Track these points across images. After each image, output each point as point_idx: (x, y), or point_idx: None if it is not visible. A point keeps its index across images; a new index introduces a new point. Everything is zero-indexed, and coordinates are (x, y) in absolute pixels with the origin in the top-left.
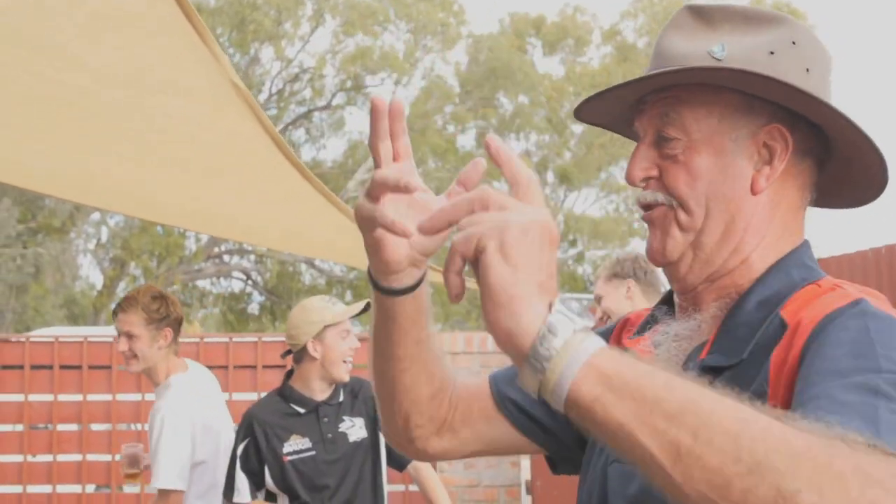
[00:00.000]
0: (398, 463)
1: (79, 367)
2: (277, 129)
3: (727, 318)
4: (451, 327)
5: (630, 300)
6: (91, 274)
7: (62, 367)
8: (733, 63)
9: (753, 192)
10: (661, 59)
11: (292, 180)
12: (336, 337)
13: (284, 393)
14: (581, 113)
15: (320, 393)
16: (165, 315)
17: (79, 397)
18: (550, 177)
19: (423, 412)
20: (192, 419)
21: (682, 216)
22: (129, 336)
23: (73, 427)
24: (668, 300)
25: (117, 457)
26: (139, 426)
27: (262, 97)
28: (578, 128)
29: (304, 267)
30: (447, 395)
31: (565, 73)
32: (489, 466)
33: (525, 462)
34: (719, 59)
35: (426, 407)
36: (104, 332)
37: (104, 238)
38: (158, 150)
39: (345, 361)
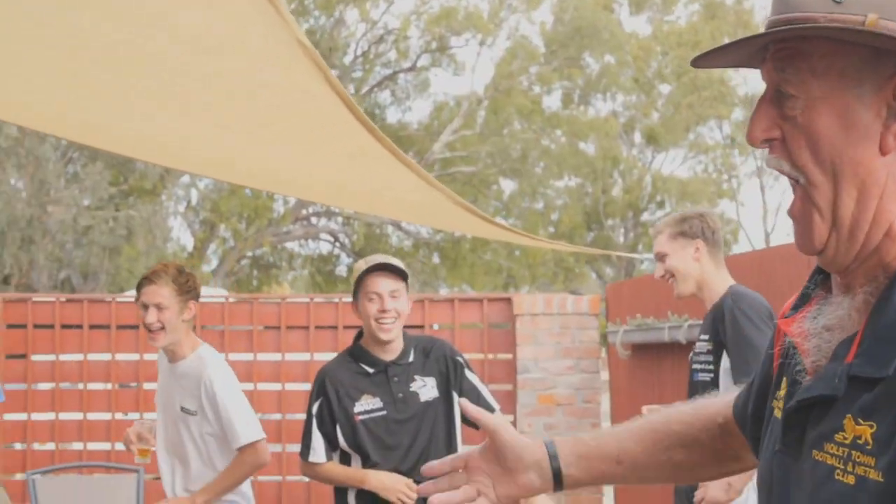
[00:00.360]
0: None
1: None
2: (362, 92)
3: (874, 311)
4: (536, 289)
5: (697, 262)
6: (182, 236)
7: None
8: (854, 5)
9: (883, 152)
10: (780, 1)
11: (362, 140)
12: (363, 299)
13: (354, 353)
14: (699, 63)
15: (385, 353)
16: (192, 288)
17: None
18: (637, 137)
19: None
20: (237, 382)
21: (815, 195)
22: (159, 308)
23: None
24: (822, 270)
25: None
26: None
27: (348, 59)
28: (666, 87)
29: (390, 229)
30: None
31: (652, 31)
32: (570, 428)
33: (606, 424)
34: (839, 2)
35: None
36: None
37: (194, 200)
38: (233, 112)
39: (379, 321)
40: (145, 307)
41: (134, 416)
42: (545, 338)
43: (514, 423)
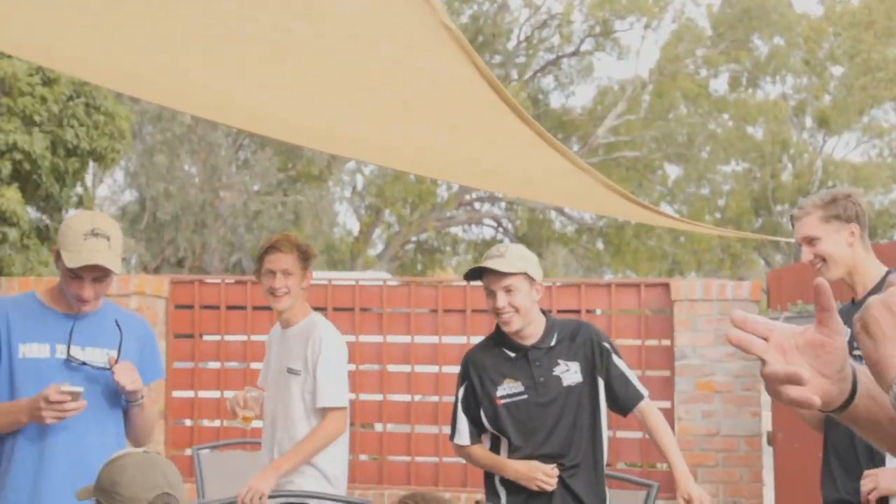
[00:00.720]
0: (621, 407)
1: (323, 309)
2: (526, 77)
3: None
4: (703, 275)
5: (851, 246)
6: (348, 221)
7: None
8: None
9: None
10: None
11: (511, 124)
12: (485, 293)
13: (496, 337)
14: None
15: (522, 339)
16: (310, 256)
17: None
18: (808, 121)
19: None
20: (345, 349)
21: None
22: (285, 273)
23: None
24: None
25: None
26: (377, 366)
27: (511, 45)
28: (838, 69)
29: (553, 214)
30: None
31: (824, 12)
32: (728, 416)
33: (766, 413)
34: None
35: None
36: (348, 276)
37: (360, 186)
38: (384, 99)
39: (498, 315)
40: (272, 273)
41: None
42: (704, 324)
43: (670, 411)
